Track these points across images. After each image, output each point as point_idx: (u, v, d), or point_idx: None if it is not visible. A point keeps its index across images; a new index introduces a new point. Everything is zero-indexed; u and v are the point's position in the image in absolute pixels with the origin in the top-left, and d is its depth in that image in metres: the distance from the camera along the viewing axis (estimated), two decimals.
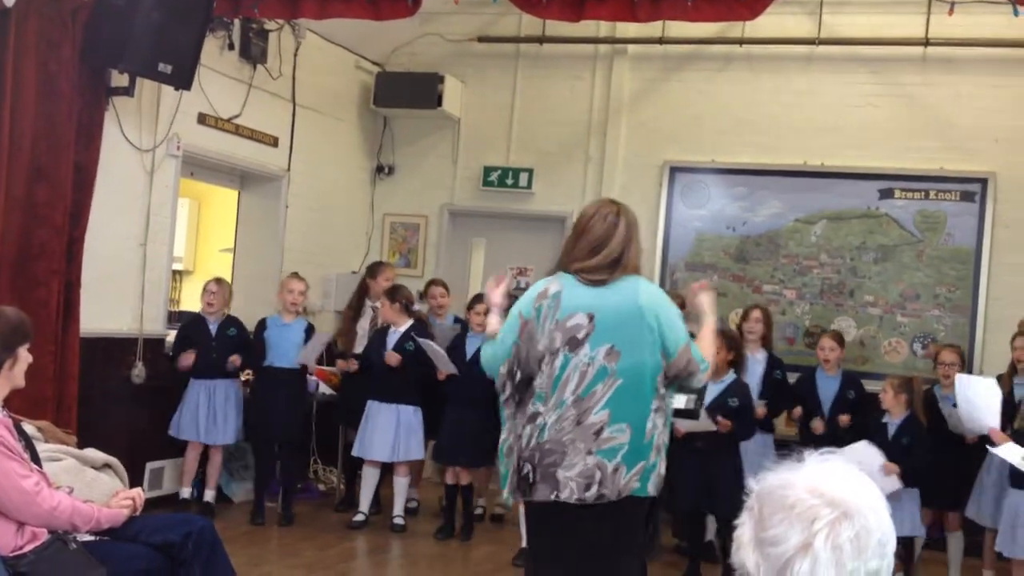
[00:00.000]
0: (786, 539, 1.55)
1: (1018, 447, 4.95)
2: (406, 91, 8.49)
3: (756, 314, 6.76)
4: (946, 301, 7.54)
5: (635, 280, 3.32)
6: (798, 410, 6.53)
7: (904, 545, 5.94)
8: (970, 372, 7.13)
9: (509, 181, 8.64)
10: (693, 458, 5.71)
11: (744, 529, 1.65)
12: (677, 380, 3.36)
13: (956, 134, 7.52)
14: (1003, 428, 5.43)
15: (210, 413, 6.57)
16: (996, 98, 7.43)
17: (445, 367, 6.47)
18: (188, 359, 6.50)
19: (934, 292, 7.57)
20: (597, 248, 3.29)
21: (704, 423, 5.64)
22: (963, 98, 7.52)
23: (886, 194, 7.70)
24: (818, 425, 6.39)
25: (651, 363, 3.23)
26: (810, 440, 5.79)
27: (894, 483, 5.43)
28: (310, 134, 8.05)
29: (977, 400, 5.51)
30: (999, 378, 5.90)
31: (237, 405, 6.73)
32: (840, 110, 7.79)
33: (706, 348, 3.43)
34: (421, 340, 6.49)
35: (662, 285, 8.06)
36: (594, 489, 3.16)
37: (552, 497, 3.20)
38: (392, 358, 6.54)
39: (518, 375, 3.32)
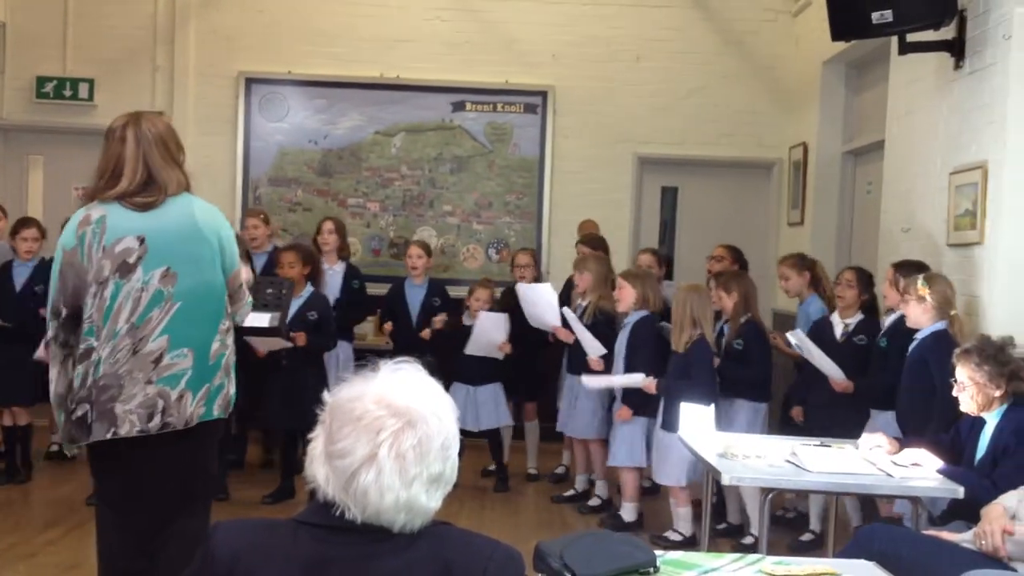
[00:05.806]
0: (353, 451, 1.57)
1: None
2: None
3: (328, 225, 6.77)
4: (515, 208, 8.05)
5: (188, 198, 3.09)
6: (388, 325, 6.68)
7: (492, 436, 6.40)
8: (539, 271, 7.72)
9: (67, 93, 7.91)
10: (279, 375, 5.75)
11: (317, 442, 1.65)
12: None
13: (519, 48, 7.95)
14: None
15: None
16: (552, 14, 7.93)
17: None
18: None
19: (505, 200, 8.05)
20: (117, 171, 3.02)
21: (278, 340, 5.63)
22: (523, 13, 7.94)
23: (458, 107, 8.01)
24: (388, 327, 6.64)
25: (216, 282, 3.08)
26: (401, 349, 5.91)
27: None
28: None
29: (539, 303, 6.03)
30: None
31: None
32: (412, 23, 7.92)
33: None
34: None
35: (244, 201, 7.85)
36: (157, 419, 2.97)
37: (110, 435, 2.97)
38: None
39: (64, 312, 3.02)
